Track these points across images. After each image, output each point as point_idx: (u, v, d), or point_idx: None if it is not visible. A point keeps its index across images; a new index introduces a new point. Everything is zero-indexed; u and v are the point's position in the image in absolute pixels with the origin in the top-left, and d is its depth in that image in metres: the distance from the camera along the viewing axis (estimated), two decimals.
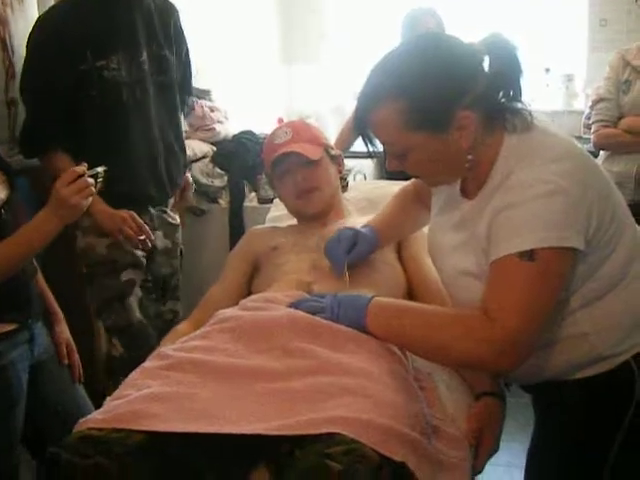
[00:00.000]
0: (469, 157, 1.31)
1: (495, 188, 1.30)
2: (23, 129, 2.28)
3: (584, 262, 1.29)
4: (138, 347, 2.33)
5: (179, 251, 2.62)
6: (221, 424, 1.21)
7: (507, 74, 1.31)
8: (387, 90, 1.30)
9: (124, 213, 2.30)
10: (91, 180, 1.65)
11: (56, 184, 1.63)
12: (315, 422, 1.16)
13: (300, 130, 1.97)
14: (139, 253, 2.41)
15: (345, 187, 2.10)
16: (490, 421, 1.51)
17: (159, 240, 2.49)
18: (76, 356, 2.06)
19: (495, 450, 1.53)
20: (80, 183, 1.63)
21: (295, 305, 1.52)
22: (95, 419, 1.25)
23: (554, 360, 1.38)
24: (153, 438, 1.20)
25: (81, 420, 1.27)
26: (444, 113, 1.27)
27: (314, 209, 1.94)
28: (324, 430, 1.13)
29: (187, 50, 2.57)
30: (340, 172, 2.04)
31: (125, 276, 2.39)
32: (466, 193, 1.43)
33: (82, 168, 1.65)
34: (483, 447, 1.49)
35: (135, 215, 2.32)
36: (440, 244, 1.50)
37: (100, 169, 1.71)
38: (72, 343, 2.07)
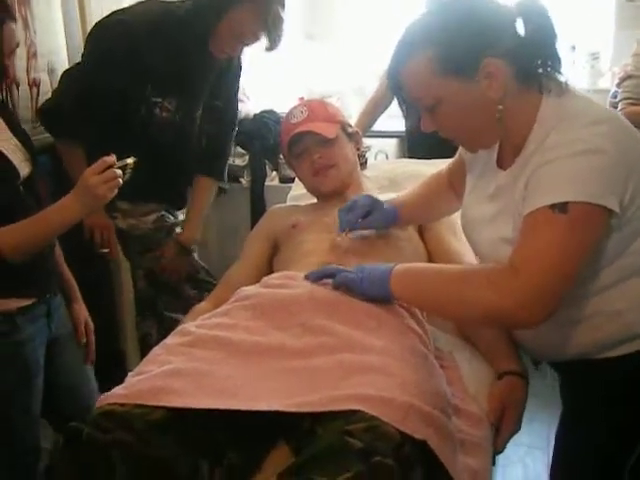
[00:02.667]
0: (499, 107, 1.29)
1: (532, 153, 1.28)
2: (53, 105, 2.27)
3: (619, 230, 1.26)
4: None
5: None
6: (242, 400, 1.21)
7: (541, 37, 1.29)
8: (416, 42, 1.30)
9: (108, 222, 2.37)
10: (119, 172, 1.66)
11: (85, 172, 1.63)
12: (336, 399, 1.16)
13: (316, 109, 1.96)
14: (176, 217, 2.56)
15: (364, 164, 2.09)
16: (512, 400, 1.50)
17: None
18: (92, 336, 2.09)
19: (517, 430, 1.52)
20: (108, 174, 1.63)
21: (317, 274, 1.52)
22: (117, 395, 1.25)
23: (583, 337, 1.36)
24: (174, 414, 1.20)
25: (102, 396, 1.28)
26: (472, 59, 1.26)
27: (331, 186, 1.94)
28: (345, 407, 1.13)
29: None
30: (358, 149, 2.03)
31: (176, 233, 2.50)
32: (502, 164, 1.41)
33: (112, 159, 1.64)
34: (505, 427, 1.48)
35: (112, 230, 2.39)
36: (475, 217, 1.48)
37: (130, 160, 1.71)
38: (90, 322, 2.09)
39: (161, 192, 2.42)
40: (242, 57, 2.42)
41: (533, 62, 1.30)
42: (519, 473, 2.66)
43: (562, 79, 1.31)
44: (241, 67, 2.45)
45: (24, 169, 1.76)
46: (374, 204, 1.74)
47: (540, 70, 1.31)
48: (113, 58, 2.14)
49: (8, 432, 1.86)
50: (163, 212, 2.50)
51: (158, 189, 2.38)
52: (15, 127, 1.83)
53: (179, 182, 2.51)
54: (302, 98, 3.85)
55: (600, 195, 1.18)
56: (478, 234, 1.47)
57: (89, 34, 2.33)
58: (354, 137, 2.02)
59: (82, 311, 2.07)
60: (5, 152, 1.71)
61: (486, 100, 1.28)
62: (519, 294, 1.20)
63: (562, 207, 1.18)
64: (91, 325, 2.09)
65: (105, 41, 2.20)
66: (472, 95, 1.28)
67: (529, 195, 1.25)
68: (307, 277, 1.54)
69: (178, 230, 2.54)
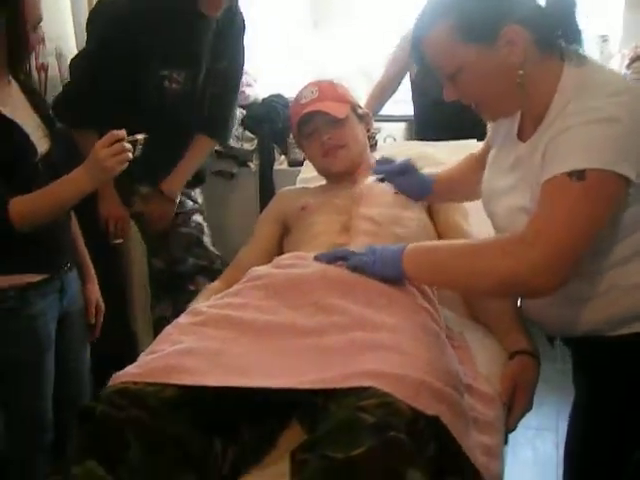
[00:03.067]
0: (520, 72, 1.29)
1: (551, 122, 1.28)
2: (65, 95, 2.28)
3: (635, 203, 1.26)
4: None
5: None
6: (255, 378, 1.21)
7: (561, 8, 1.30)
8: (437, 11, 1.32)
9: (123, 213, 2.39)
10: (129, 146, 1.67)
11: (95, 145, 1.65)
12: (349, 376, 1.16)
13: (326, 89, 1.96)
14: (198, 201, 2.59)
15: (374, 146, 2.09)
16: (524, 380, 1.50)
17: None
18: (101, 318, 2.11)
19: (528, 409, 1.52)
20: (118, 147, 1.65)
21: (327, 256, 1.52)
22: (130, 373, 1.26)
23: (598, 312, 1.35)
24: (187, 392, 1.21)
25: (115, 374, 1.29)
26: (492, 25, 1.27)
27: (341, 167, 1.93)
28: (358, 384, 1.13)
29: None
30: (368, 131, 2.02)
31: (194, 221, 2.52)
32: (522, 136, 1.41)
33: (122, 133, 1.66)
34: (516, 406, 1.48)
35: (127, 221, 2.41)
36: (494, 189, 1.48)
37: (140, 136, 1.72)
38: (101, 303, 2.12)
39: None
40: (243, 15, 2.39)
41: (554, 32, 1.31)
42: (528, 455, 2.66)
43: (581, 50, 1.31)
44: (244, 26, 2.42)
45: (42, 145, 1.79)
46: (411, 167, 1.74)
47: (561, 41, 1.31)
48: (110, 42, 2.16)
49: (19, 406, 1.88)
50: (182, 197, 2.50)
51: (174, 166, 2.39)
52: (37, 104, 1.85)
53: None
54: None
55: (614, 162, 1.18)
56: (495, 205, 1.47)
57: (87, 20, 2.34)
58: (364, 118, 2.02)
59: (94, 291, 2.10)
60: (24, 128, 1.73)
61: (507, 66, 1.29)
62: (534, 260, 1.19)
63: (578, 174, 1.18)
64: (102, 306, 2.11)
65: (98, 27, 2.23)
66: (493, 62, 1.29)
67: (546, 163, 1.25)
68: (317, 258, 1.54)
69: (197, 217, 2.55)
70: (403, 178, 1.75)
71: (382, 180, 1.77)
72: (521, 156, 1.38)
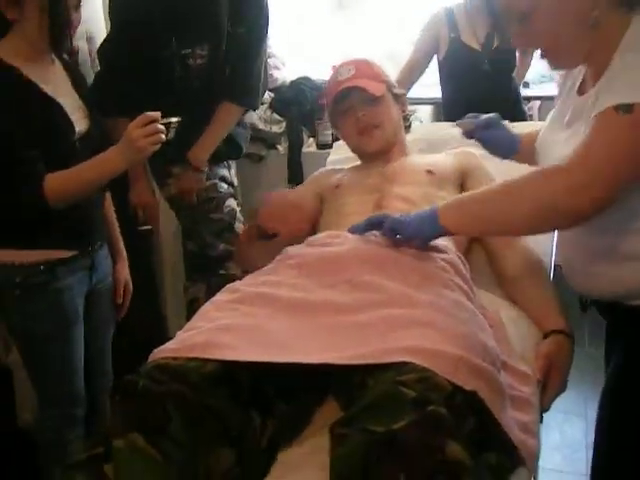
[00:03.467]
0: (594, 13, 1.27)
1: (609, 77, 1.27)
2: (95, 85, 2.29)
3: None
4: None
5: None
6: (293, 354, 1.22)
7: None
8: None
9: (153, 200, 2.42)
10: (162, 128, 1.68)
11: (130, 125, 1.67)
12: (387, 351, 1.16)
13: (363, 67, 1.94)
14: (234, 183, 2.59)
15: (408, 127, 2.07)
16: (559, 359, 1.50)
17: None
18: (128, 299, 2.14)
19: (563, 389, 1.52)
20: (151, 128, 1.66)
21: (362, 226, 1.53)
22: (169, 349, 1.27)
23: (635, 276, 1.33)
24: (226, 368, 1.22)
25: (155, 350, 1.30)
26: None
27: (376, 146, 1.93)
28: (396, 359, 1.13)
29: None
30: (403, 111, 2.02)
31: (228, 207, 2.50)
32: (582, 91, 1.40)
33: (157, 114, 1.68)
34: (551, 385, 1.48)
35: (156, 208, 2.43)
36: (549, 143, 1.47)
37: (174, 119, 1.74)
38: (130, 285, 2.15)
39: None
40: None
41: None
42: (557, 439, 2.66)
43: None
44: None
45: (81, 125, 1.82)
46: (498, 121, 1.71)
47: None
48: (127, 26, 2.19)
49: (49, 380, 1.92)
50: (217, 180, 2.50)
51: None
52: (79, 84, 1.87)
53: None
54: (336, 66, 3.85)
55: None
56: (548, 157, 1.46)
57: (108, 5, 2.36)
58: (400, 99, 2.01)
59: (124, 272, 2.13)
60: (65, 107, 1.75)
61: (580, 5, 1.27)
62: (572, 180, 1.21)
63: (626, 108, 1.17)
64: (130, 287, 2.15)
65: (115, 11, 2.25)
66: (566, 1, 1.28)
67: (597, 100, 1.25)
68: (351, 230, 1.54)
69: (231, 202, 2.54)
70: (490, 132, 1.71)
71: (470, 135, 1.73)
72: (578, 108, 1.37)
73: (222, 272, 2.51)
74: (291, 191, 1.94)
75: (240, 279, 1.55)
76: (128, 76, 2.21)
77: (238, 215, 2.58)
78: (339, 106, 1.94)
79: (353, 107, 1.91)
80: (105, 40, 2.35)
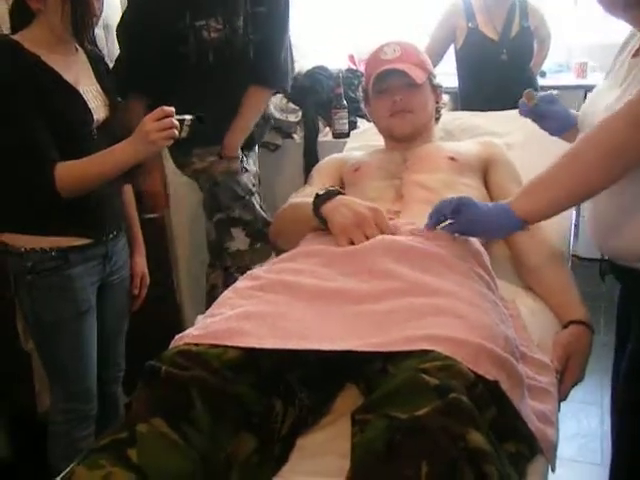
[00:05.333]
0: None
1: None
2: (114, 68, 2.27)
3: None
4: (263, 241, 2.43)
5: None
6: (314, 342, 1.23)
7: None
8: None
9: (160, 190, 2.43)
10: (177, 123, 1.69)
11: (144, 118, 1.68)
12: (409, 339, 1.17)
13: (409, 51, 1.92)
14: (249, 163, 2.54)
15: (438, 119, 2.06)
16: (577, 349, 1.50)
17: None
18: (145, 291, 2.15)
19: (581, 379, 1.52)
20: (166, 122, 1.67)
21: (434, 219, 1.52)
22: (192, 335, 1.28)
23: None
24: (248, 355, 1.22)
25: (177, 336, 1.31)
26: None
27: (405, 130, 1.91)
28: (419, 347, 1.14)
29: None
30: (437, 102, 2.01)
31: (246, 180, 2.46)
32: (637, 55, 1.40)
33: (171, 109, 1.68)
34: (568, 375, 1.48)
35: (163, 198, 2.45)
36: (597, 105, 1.47)
37: (188, 117, 1.73)
38: (147, 277, 2.15)
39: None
40: None
41: None
42: (573, 428, 2.66)
43: None
44: None
45: (100, 113, 1.82)
46: (556, 98, 1.71)
47: None
48: (143, 2, 2.19)
49: (55, 370, 1.94)
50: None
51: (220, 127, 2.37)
52: (101, 73, 1.89)
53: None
54: (352, 56, 3.84)
55: None
56: (595, 115, 1.45)
57: None
58: (437, 89, 2.00)
59: (141, 264, 2.14)
60: (84, 95, 1.76)
61: None
62: (632, 114, 1.23)
63: None
64: (147, 280, 2.16)
65: None
66: None
67: None
68: (427, 227, 1.53)
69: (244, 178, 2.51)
70: (550, 107, 1.69)
71: (527, 110, 1.71)
72: (631, 68, 1.37)
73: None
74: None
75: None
76: (144, 52, 2.20)
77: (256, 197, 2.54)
78: (377, 85, 1.92)
79: (391, 89, 1.89)
80: (122, 18, 2.34)
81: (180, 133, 1.70)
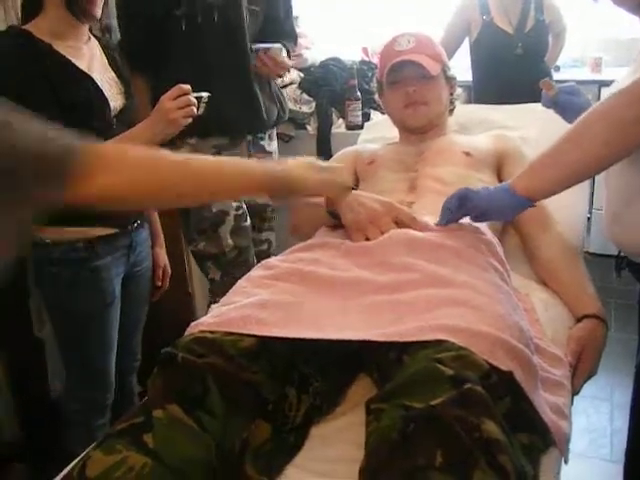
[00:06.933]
0: None
1: None
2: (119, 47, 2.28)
3: None
4: (233, 272, 2.35)
5: None
6: (329, 331, 1.23)
7: None
8: None
9: None
10: (194, 100, 1.68)
11: (162, 98, 1.67)
12: (424, 329, 1.17)
13: (424, 42, 1.91)
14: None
15: (452, 111, 2.05)
16: (591, 343, 1.50)
17: None
18: (167, 282, 2.16)
19: (594, 373, 1.52)
20: (184, 100, 1.67)
21: (446, 214, 1.51)
22: (207, 322, 1.29)
23: None
24: (263, 343, 1.23)
25: (192, 323, 1.32)
26: None
27: (418, 122, 1.91)
28: (434, 337, 1.14)
29: None
30: (451, 94, 2.00)
31: (217, 207, 2.34)
32: None
33: (188, 87, 1.68)
34: (582, 368, 1.48)
35: None
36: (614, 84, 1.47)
37: (205, 94, 1.73)
38: (168, 269, 2.17)
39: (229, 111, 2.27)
40: None
41: None
42: (582, 423, 2.66)
43: None
44: None
45: (116, 101, 1.82)
46: (580, 91, 1.69)
47: None
48: None
49: (76, 359, 1.95)
50: (261, 140, 2.46)
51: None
52: (115, 61, 1.89)
53: (242, 94, 2.32)
54: (365, 48, 3.83)
55: None
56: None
57: None
58: (451, 81, 1.99)
59: (162, 256, 2.15)
60: (99, 84, 1.76)
61: None
62: (632, 92, 1.23)
63: None
64: (169, 270, 2.17)
65: None
66: None
67: None
68: (440, 224, 1.53)
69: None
70: (571, 98, 1.67)
71: (548, 100, 1.69)
72: None
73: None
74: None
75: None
76: (142, 24, 2.17)
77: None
78: (391, 76, 1.90)
79: (405, 80, 1.88)
80: None
81: (197, 110, 1.71)
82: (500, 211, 1.45)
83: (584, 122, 1.30)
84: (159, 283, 2.14)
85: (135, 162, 1.15)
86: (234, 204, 2.36)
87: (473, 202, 1.45)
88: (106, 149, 1.11)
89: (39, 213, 1.03)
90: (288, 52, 1.98)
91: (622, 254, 1.56)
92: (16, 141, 0.99)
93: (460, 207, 1.47)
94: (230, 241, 2.39)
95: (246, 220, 2.41)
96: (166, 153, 1.26)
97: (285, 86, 3.26)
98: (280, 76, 2.44)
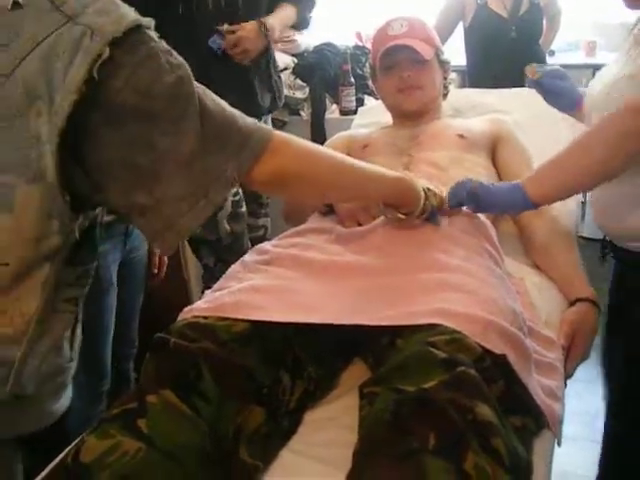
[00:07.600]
0: None
1: None
2: None
3: None
4: (228, 259, 2.35)
5: None
6: (322, 316, 1.23)
7: None
8: None
9: None
10: None
11: None
12: (417, 313, 1.17)
13: (417, 26, 1.89)
14: None
15: (445, 95, 2.05)
16: (584, 326, 1.50)
17: None
18: (164, 269, 2.15)
19: (587, 356, 1.53)
20: None
21: (455, 198, 1.51)
22: (200, 308, 1.29)
23: None
24: (256, 328, 1.23)
25: (186, 309, 1.32)
26: None
27: (412, 106, 1.90)
28: (427, 321, 1.15)
29: None
30: (445, 78, 1.99)
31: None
32: None
33: None
34: (574, 352, 1.49)
35: None
36: (604, 79, 1.47)
37: None
38: (165, 257, 2.15)
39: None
40: None
41: None
42: (575, 406, 2.66)
43: None
44: None
45: None
46: (566, 75, 1.69)
47: None
48: None
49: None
50: None
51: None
52: None
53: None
54: (359, 33, 3.82)
55: None
56: (601, 81, 1.47)
57: None
58: (445, 65, 1.98)
59: None
60: None
61: None
62: (634, 103, 1.25)
63: None
64: (165, 259, 2.15)
65: None
66: None
67: None
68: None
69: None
70: (555, 82, 1.67)
71: (533, 82, 1.69)
72: (637, 40, 1.38)
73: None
74: None
75: None
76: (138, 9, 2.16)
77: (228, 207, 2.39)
78: (384, 61, 1.89)
79: (399, 65, 1.87)
80: None
81: None
82: (507, 209, 1.47)
83: (589, 138, 1.34)
84: (155, 270, 2.13)
85: (298, 150, 1.16)
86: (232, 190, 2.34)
87: (484, 197, 1.46)
88: (274, 133, 1.12)
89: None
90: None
91: (607, 238, 1.56)
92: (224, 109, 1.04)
93: (470, 202, 1.48)
94: (227, 227, 2.39)
95: (242, 206, 2.40)
96: (323, 148, 1.27)
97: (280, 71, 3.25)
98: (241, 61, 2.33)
